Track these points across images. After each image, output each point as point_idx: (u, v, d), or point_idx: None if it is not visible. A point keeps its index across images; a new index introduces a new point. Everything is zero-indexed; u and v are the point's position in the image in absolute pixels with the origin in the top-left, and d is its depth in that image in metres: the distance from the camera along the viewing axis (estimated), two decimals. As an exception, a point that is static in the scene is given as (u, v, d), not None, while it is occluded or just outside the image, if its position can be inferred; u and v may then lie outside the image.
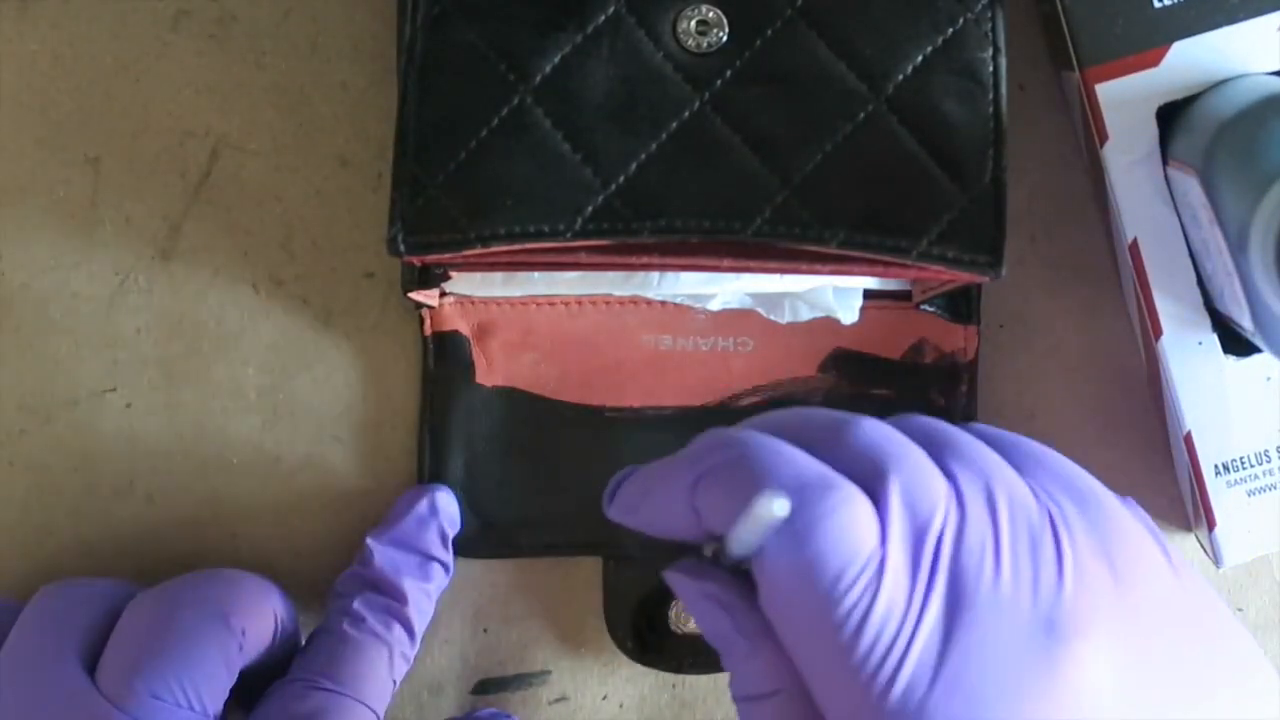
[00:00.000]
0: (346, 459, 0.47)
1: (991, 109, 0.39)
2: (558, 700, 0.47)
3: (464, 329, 0.46)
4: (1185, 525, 0.46)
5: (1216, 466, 0.42)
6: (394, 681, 0.43)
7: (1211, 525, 0.43)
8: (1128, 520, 0.29)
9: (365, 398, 0.47)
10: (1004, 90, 0.39)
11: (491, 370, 0.46)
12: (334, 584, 0.44)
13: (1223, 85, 0.41)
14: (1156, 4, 0.41)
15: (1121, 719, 0.27)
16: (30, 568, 0.46)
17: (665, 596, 0.46)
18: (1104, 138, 0.42)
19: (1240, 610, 0.46)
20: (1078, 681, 0.27)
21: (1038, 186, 0.46)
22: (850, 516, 0.28)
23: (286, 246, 0.47)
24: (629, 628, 0.46)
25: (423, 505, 0.45)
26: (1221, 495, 0.42)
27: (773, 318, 0.45)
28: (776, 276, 0.42)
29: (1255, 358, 0.42)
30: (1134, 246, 0.42)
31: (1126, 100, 0.41)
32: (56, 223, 0.46)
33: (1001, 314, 0.46)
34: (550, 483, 0.46)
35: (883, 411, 0.45)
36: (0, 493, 0.46)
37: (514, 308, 0.46)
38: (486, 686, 0.47)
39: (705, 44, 0.40)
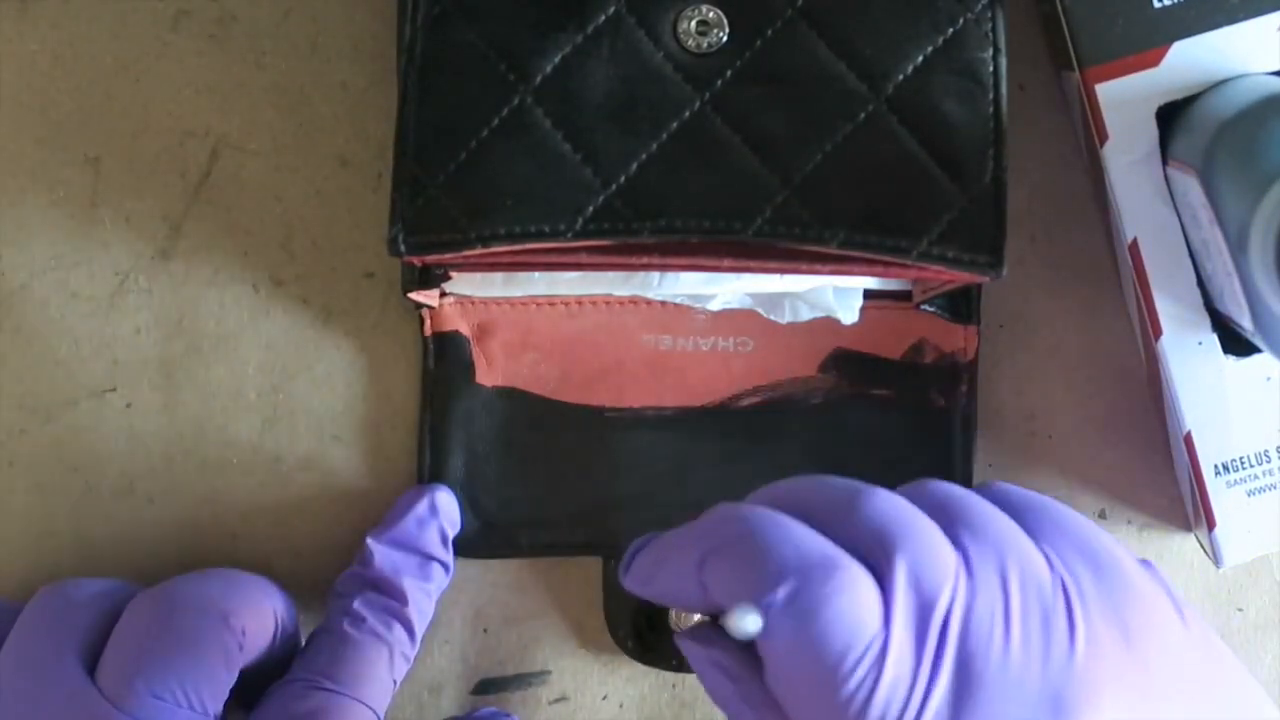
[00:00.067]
0: (346, 459, 0.47)
1: (991, 109, 0.39)
2: (558, 700, 0.47)
3: (464, 329, 0.46)
4: (1185, 525, 0.46)
5: (1216, 466, 0.42)
6: (394, 681, 0.43)
7: (1211, 525, 0.43)
8: (1145, 584, 0.29)
9: (365, 398, 0.47)
10: (1004, 90, 0.39)
11: (491, 370, 0.46)
12: (334, 584, 0.44)
13: (1223, 85, 0.41)
14: (1156, 4, 0.41)
15: None
16: (30, 568, 0.46)
17: (665, 596, 0.46)
18: (1104, 138, 0.42)
19: (1240, 610, 0.46)
20: None
21: (1038, 186, 0.46)
22: (853, 598, 0.28)
23: (286, 246, 0.47)
24: (629, 628, 0.46)
25: (423, 505, 0.45)
26: (1221, 495, 0.42)
27: (773, 318, 0.45)
28: (776, 276, 0.42)
29: (1255, 358, 0.42)
30: (1134, 246, 0.42)
31: (1126, 100, 0.41)
32: (56, 223, 0.46)
33: (1001, 314, 0.47)
34: (550, 483, 0.46)
35: (883, 412, 0.45)
36: (0, 493, 0.46)
37: (514, 308, 0.46)
38: (486, 686, 0.47)
39: (705, 44, 0.40)
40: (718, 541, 0.30)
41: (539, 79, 0.39)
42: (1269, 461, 0.42)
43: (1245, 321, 0.39)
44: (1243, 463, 0.42)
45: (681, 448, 0.46)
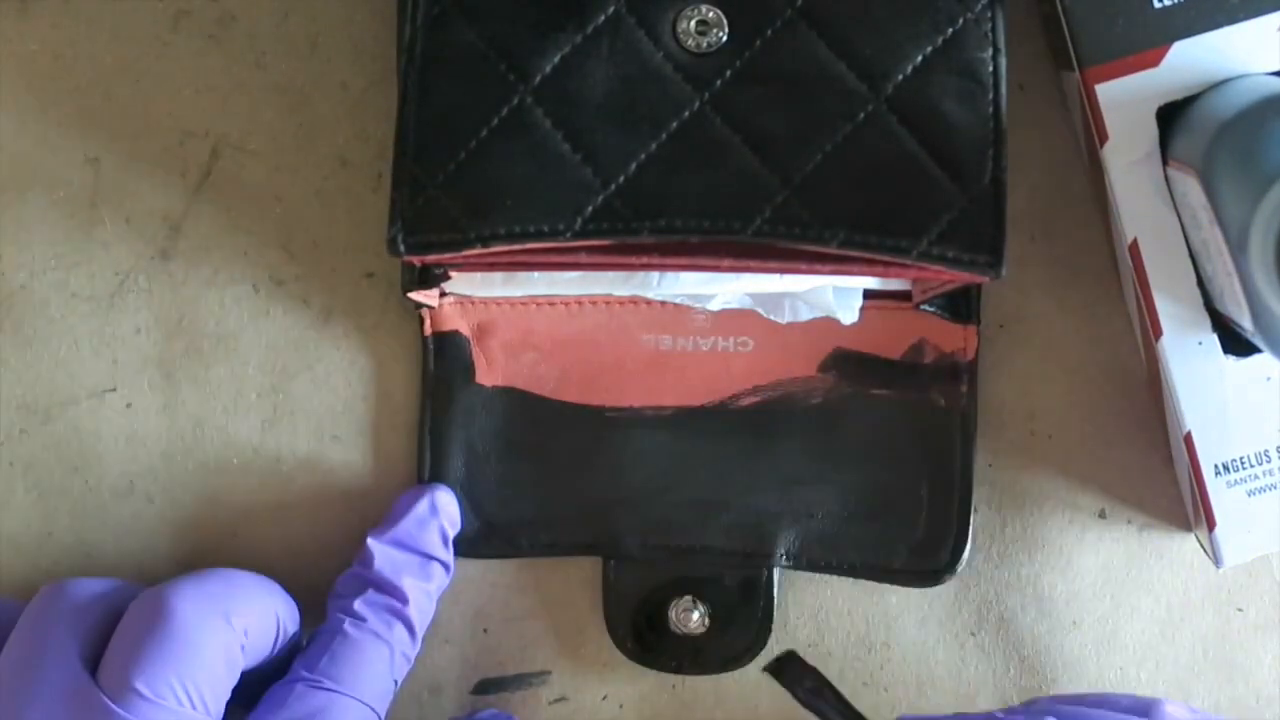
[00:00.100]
0: (346, 459, 0.47)
1: (991, 109, 0.39)
2: (558, 700, 0.47)
3: (464, 329, 0.46)
4: (1185, 525, 0.46)
5: (1216, 466, 0.42)
6: (395, 681, 0.43)
7: (1211, 525, 0.43)
8: None
9: (365, 398, 0.47)
10: (1004, 90, 0.39)
11: (491, 370, 0.46)
12: (334, 584, 0.44)
13: (1223, 85, 0.41)
14: (1156, 4, 0.41)
15: None
16: (30, 568, 0.46)
17: (665, 596, 0.46)
18: (1104, 138, 0.42)
19: (1240, 610, 0.46)
20: None
21: (1038, 186, 0.46)
22: None
23: (286, 246, 0.47)
24: (629, 628, 0.46)
25: (423, 505, 0.45)
26: (1221, 495, 0.42)
27: (773, 318, 0.45)
28: (776, 276, 0.42)
29: (1255, 358, 0.42)
30: (1134, 246, 0.42)
31: (1126, 100, 0.41)
32: (56, 223, 0.46)
33: (1001, 314, 0.46)
34: (550, 483, 0.46)
35: (883, 412, 0.45)
36: (0, 493, 0.46)
37: (514, 308, 0.46)
38: (486, 686, 0.47)
39: (705, 44, 0.40)
40: None
41: (539, 79, 0.39)
42: (1269, 461, 0.42)
43: (1245, 321, 0.39)
44: (1243, 463, 0.42)
45: (681, 448, 0.46)
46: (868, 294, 0.45)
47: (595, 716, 0.47)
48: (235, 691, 0.40)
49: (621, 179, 0.39)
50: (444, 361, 0.46)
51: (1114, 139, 0.42)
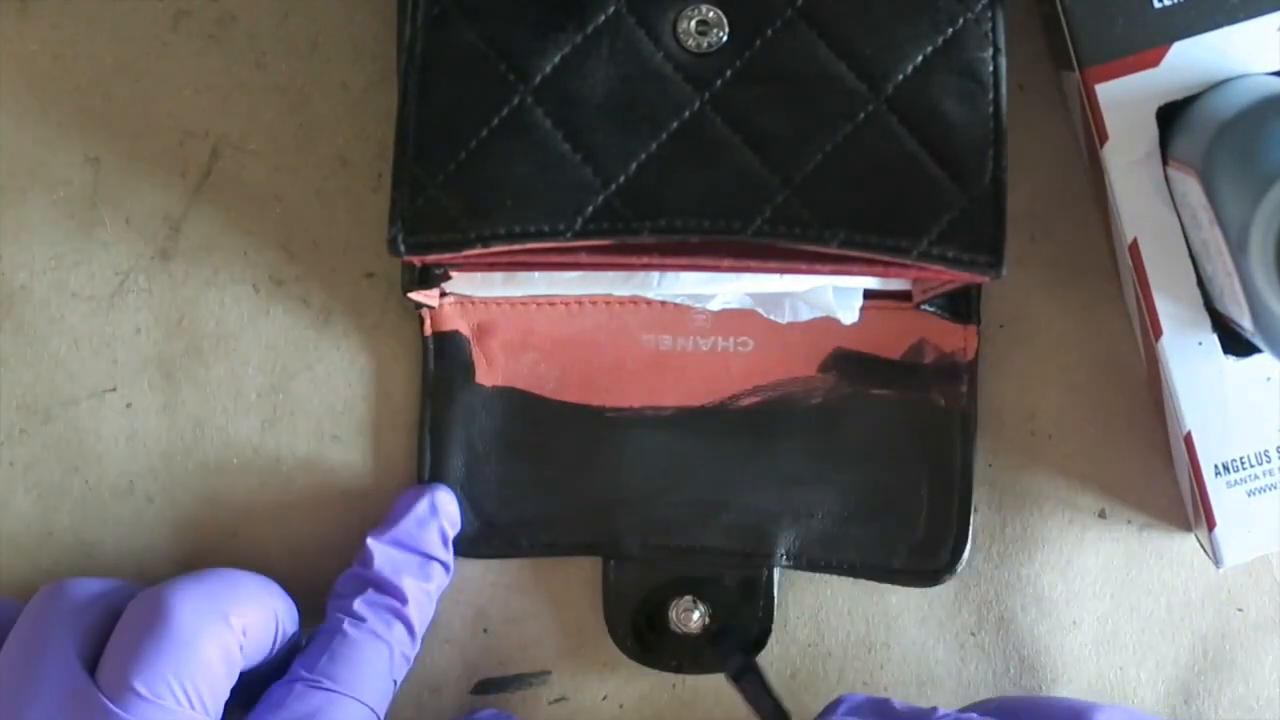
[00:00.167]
0: (346, 459, 0.47)
1: (991, 109, 0.39)
2: (558, 700, 0.47)
3: (464, 329, 0.46)
4: (1185, 525, 0.46)
5: (1216, 466, 0.42)
6: (394, 681, 0.43)
7: (1211, 525, 0.43)
8: None
9: (365, 398, 0.47)
10: (1004, 90, 0.39)
11: (491, 370, 0.46)
12: (334, 584, 0.44)
13: (1223, 85, 0.41)
14: (1156, 4, 0.41)
15: None
16: (30, 567, 0.46)
17: (665, 596, 0.46)
18: (1104, 138, 0.42)
19: (1240, 610, 0.46)
20: None
21: (1038, 186, 0.46)
22: None
23: (286, 246, 0.47)
24: (629, 628, 0.46)
25: (423, 505, 0.45)
26: (1221, 495, 0.42)
27: (773, 318, 0.45)
28: (776, 276, 0.42)
29: (1255, 358, 0.42)
30: (1134, 246, 0.42)
31: (1126, 100, 0.41)
32: (56, 223, 0.46)
33: (1001, 314, 0.46)
34: (550, 483, 0.46)
35: (883, 412, 0.45)
36: (0, 493, 0.46)
37: (514, 308, 0.46)
38: (486, 686, 0.47)
39: (705, 44, 0.40)
40: None
41: (539, 79, 0.39)
42: (1269, 461, 0.42)
43: (1245, 321, 0.39)
44: (1243, 463, 0.42)
45: (681, 448, 0.46)
46: (868, 294, 0.45)
47: (595, 716, 0.47)
48: (234, 691, 0.40)
49: (622, 179, 0.39)
50: (444, 361, 0.46)
51: (1114, 139, 0.42)
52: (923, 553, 0.45)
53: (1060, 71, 0.45)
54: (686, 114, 0.39)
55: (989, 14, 0.39)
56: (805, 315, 0.44)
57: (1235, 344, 0.42)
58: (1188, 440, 0.42)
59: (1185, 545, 0.47)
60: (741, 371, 0.46)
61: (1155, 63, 0.41)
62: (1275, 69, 0.41)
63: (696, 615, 0.46)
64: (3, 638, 0.40)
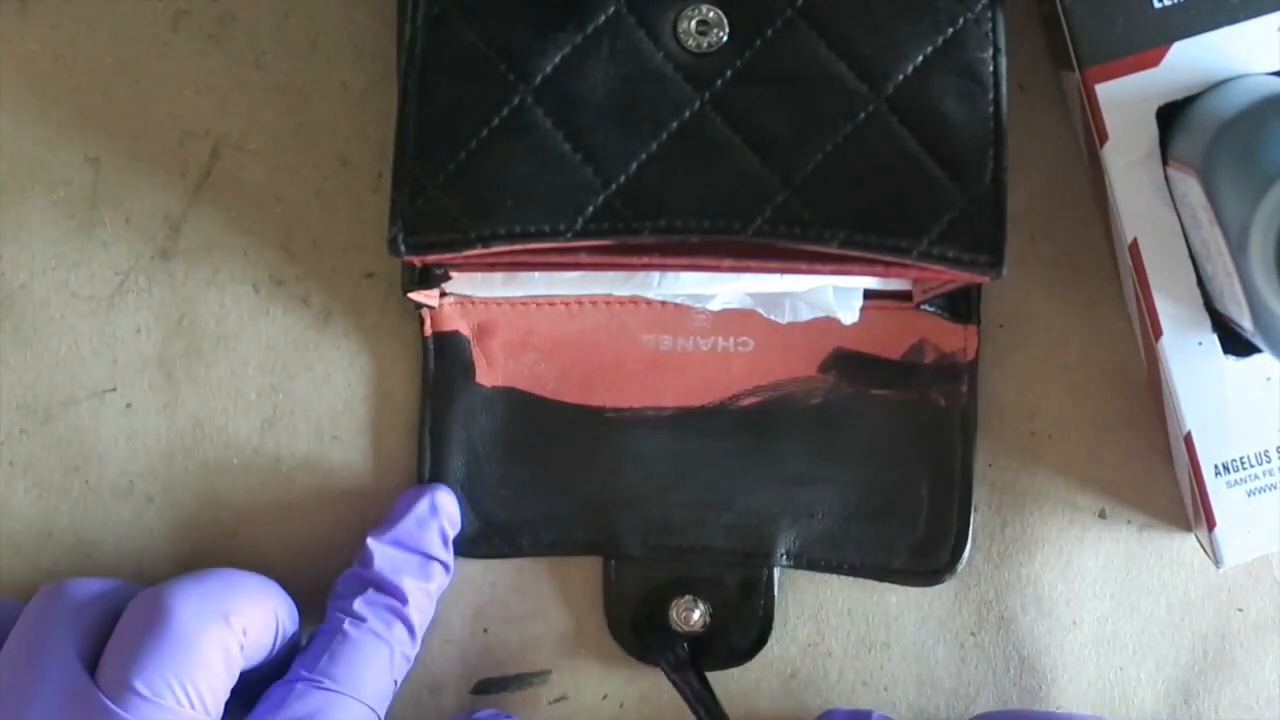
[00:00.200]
0: (346, 459, 0.47)
1: (991, 109, 0.39)
2: (558, 700, 0.47)
3: (464, 329, 0.46)
4: (1185, 525, 0.46)
5: (1216, 466, 0.42)
6: (394, 681, 0.43)
7: (1211, 525, 0.43)
8: None
9: (365, 398, 0.47)
10: (1004, 90, 0.39)
11: (491, 370, 0.46)
12: (334, 584, 0.44)
13: (1223, 85, 0.41)
14: (1156, 4, 0.41)
15: None
16: (30, 567, 0.46)
17: (666, 596, 0.46)
18: (1104, 138, 0.42)
19: (1240, 610, 0.46)
20: None
21: (1038, 186, 0.46)
22: None
23: (286, 246, 0.47)
24: (629, 628, 0.46)
25: (423, 505, 0.45)
26: (1221, 495, 0.42)
27: (773, 318, 0.45)
28: (776, 276, 0.42)
29: (1255, 358, 0.42)
30: (1134, 246, 0.42)
31: (1126, 100, 0.41)
32: (56, 223, 0.46)
33: (1001, 314, 0.47)
34: (550, 483, 0.46)
35: (883, 412, 0.45)
36: (0, 493, 0.46)
37: (514, 308, 0.46)
38: (486, 686, 0.47)
39: (705, 44, 0.40)
40: None
41: (539, 79, 0.39)
42: (1269, 461, 0.42)
43: (1245, 321, 0.39)
44: (1243, 463, 0.42)
45: (681, 448, 0.46)
46: (868, 294, 0.45)
47: (595, 716, 0.47)
48: (235, 691, 0.40)
49: (622, 179, 0.39)
50: (444, 361, 0.46)
51: (1114, 139, 0.42)
52: (923, 552, 0.46)
53: (1060, 71, 0.45)
54: (687, 114, 0.39)
55: (989, 14, 0.39)
56: (805, 315, 0.44)
57: (1235, 344, 0.42)
58: (1188, 440, 0.42)
59: (1185, 545, 0.47)
60: (742, 371, 0.46)
61: (1155, 63, 0.41)
62: (1275, 69, 0.41)
63: (697, 615, 0.46)
64: (3, 638, 0.40)
